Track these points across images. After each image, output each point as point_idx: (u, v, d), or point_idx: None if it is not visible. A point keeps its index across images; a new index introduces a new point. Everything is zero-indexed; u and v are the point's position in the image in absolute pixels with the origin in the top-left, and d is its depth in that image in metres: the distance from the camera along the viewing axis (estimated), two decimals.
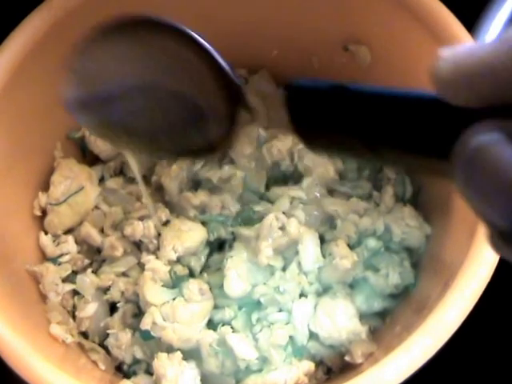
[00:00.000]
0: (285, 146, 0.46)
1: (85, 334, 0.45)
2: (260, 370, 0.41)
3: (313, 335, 0.42)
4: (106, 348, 0.44)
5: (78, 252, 0.46)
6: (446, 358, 0.34)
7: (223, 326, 0.42)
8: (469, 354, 0.48)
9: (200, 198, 0.46)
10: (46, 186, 0.47)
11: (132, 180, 0.49)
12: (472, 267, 0.35)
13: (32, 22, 0.41)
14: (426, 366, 0.33)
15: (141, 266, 0.45)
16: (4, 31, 0.40)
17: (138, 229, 0.45)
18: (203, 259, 0.46)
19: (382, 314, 0.44)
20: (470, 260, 0.35)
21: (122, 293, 0.45)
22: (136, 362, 0.44)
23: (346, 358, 0.42)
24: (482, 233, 0.35)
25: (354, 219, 0.45)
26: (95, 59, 0.33)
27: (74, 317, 0.45)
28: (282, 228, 0.44)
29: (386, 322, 0.44)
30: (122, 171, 0.50)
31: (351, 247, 0.44)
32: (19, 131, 0.43)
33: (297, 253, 0.44)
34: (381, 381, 0.33)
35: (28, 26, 0.41)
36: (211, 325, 0.43)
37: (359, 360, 0.41)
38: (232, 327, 0.42)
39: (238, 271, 0.43)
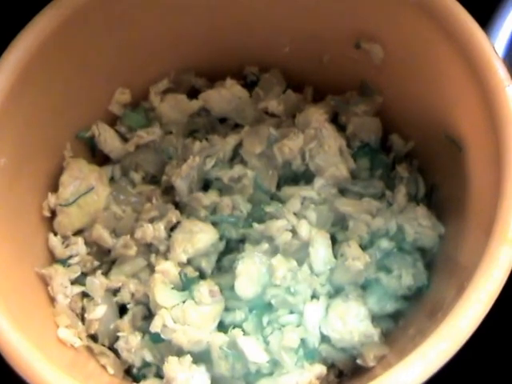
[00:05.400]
0: (296, 145, 0.46)
1: (94, 337, 0.44)
2: (271, 374, 0.41)
3: (324, 338, 0.42)
4: (115, 351, 0.44)
5: (88, 253, 0.46)
6: (460, 361, 0.33)
7: (234, 328, 0.42)
8: (484, 358, 0.48)
9: (211, 198, 0.46)
10: (55, 187, 0.46)
11: (142, 180, 0.49)
12: (488, 269, 0.34)
13: (40, 21, 0.40)
14: (440, 369, 0.32)
15: (151, 268, 0.45)
16: (12, 31, 0.40)
17: (148, 232, 0.44)
18: (214, 261, 0.45)
19: (395, 317, 0.43)
20: (485, 261, 0.34)
21: (132, 295, 0.45)
22: (146, 365, 0.43)
23: (358, 361, 0.41)
24: (498, 232, 0.35)
25: (367, 219, 0.44)
26: None
27: (82, 320, 0.45)
28: (293, 231, 0.43)
29: (399, 325, 0.43)
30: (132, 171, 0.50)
31: (363, 248, 0.43)
32: (28, 131, 0.42)
33: (308, 254, 0.43)
34: None
35: (36, 26, 0.40)
36: (222, 327, 0.43)
37: (371, 363, 0.40)
38: (243, 330, 0.42)
39: (249, 272, 0.42)
